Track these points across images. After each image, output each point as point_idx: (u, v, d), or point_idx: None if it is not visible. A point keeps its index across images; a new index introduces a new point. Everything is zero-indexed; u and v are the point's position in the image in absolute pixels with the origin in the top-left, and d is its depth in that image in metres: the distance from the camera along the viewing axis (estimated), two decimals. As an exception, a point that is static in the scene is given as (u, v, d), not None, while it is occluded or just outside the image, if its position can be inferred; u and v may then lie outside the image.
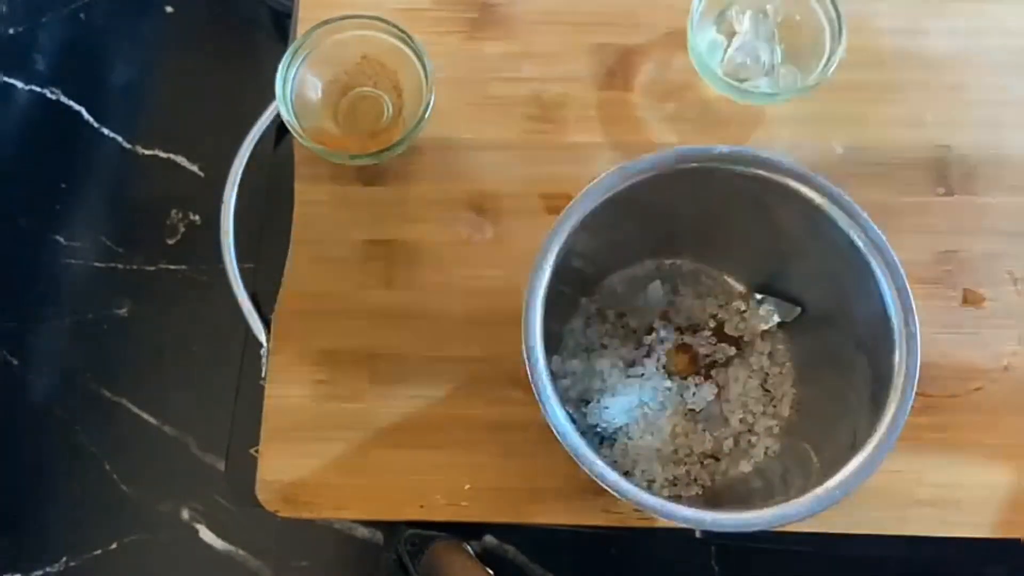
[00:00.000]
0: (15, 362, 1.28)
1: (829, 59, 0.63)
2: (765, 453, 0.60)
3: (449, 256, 0.65)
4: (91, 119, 1.37)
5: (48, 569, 1.20)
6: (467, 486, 0.60)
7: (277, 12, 1.38)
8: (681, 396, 0.61)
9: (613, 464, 0.56)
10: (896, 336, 0.50)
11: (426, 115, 0.62)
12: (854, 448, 0.49)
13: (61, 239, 1.32)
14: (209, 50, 1.42)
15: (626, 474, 0.58)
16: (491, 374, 0.62)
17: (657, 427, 0.60)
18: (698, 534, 1.12)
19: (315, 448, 0.61)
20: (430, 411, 0.62)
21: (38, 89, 1.38)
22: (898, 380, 0.49)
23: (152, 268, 1.31)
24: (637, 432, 0.60)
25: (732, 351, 0.62)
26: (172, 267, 1.31)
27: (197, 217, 1.32)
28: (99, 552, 1.20)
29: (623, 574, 1.18)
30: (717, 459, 0.60)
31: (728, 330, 0.63)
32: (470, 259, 0.65)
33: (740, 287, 0.64)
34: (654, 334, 0.62)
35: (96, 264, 1.31)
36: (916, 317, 0.50)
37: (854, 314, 0.54)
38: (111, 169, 1.35)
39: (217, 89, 1.36)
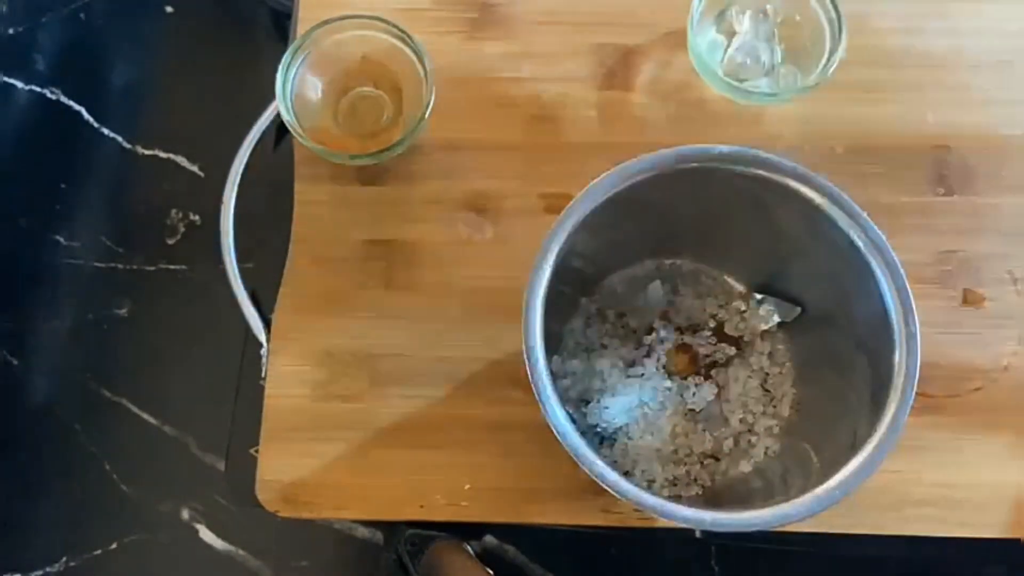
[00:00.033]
0: (15, 362, 1.27)
1: (829, 59, 0.63)
2: (765, 453, 0.60)
3: (449, 256, 0.65)
4: (91, 119, 1.37)
5: (48, 569, 1.20)
6: (467, 486, 0.60)
7: (277, 12, 1.38)
8: (681, 396, 0.61)
9: (613, 464, 0.56)
10: (896, 336, 0.50)
11: (426, 115, 0.62)
12: (854, 448, 0.49)
13: (61, 239, 1.32)
14: (209, 50, 1.42)
15: (626, 474, 0.58)
16: (491, 374, 0.62)
17: (657, 427, 0.60)
18: (698, 534, 1.12)
19: (315, 448, 0.61)
20: (430, 411, 0.62)
21: (38, 89, 1.38)
22: (898, 380, 0.49)
23: (152, 268, 1.31)
24: (637, 432, 0.60)
25: (732, 351, 0.62)
26: (172, 267, 1.31)
27: (197, 217, 1.32)
28: (99, 552, 1.20)
29: (623, 574, 1.18)
30: (717, 459, 0.60)
31: (728, 330, 0.63)
32: (470, 259, 0.65)
33: (740, 287, 0.64)
34: (654, 334, 0.62)
35: (96, 264, 1.31)
36: (916, 317, 0.50)
37: (854, 314, 0.54)
38: (111, 169, 1.35)
39: (217, 89, 1.36)
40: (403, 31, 0.63)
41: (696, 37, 0.65)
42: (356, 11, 0.64)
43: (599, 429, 0.60)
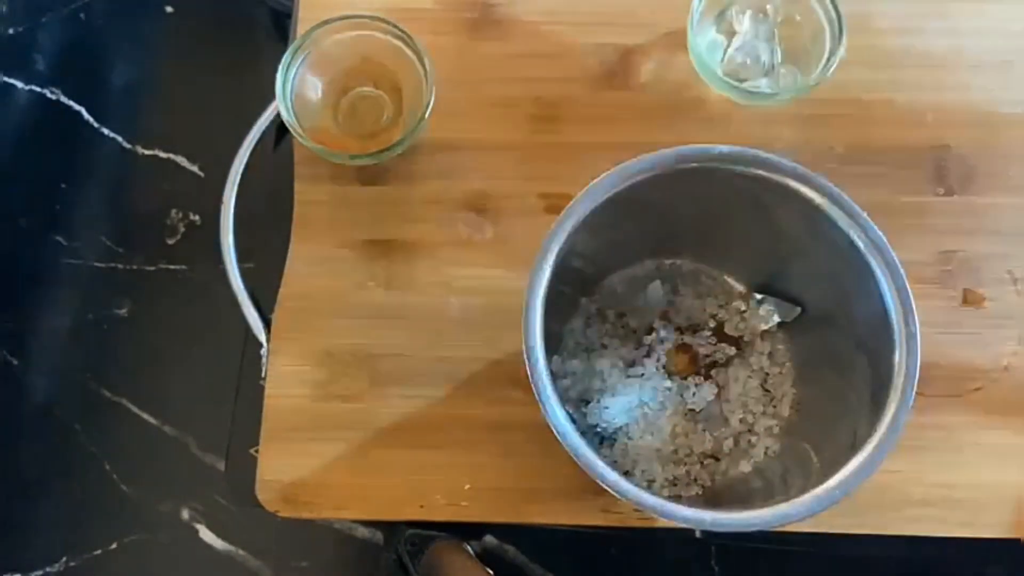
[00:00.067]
0: (15, 362, 1.28)
1: (829, 59, 0.63)
2: (765, 453, 0.60)
3: (449, 256, 0.65)
4: (91, 119, 1.37)
5: (48, 569, 1.20)
6: (467, 486, 0.60)
7: (277, 12, 1.38)
8: (681, 396, 0.61)
9: (613, 464, 0.56)
10: (896, 336, 0.50)
11: (426, 115, 0.62)
12: (854, 448, 0.49)
13: (61, 239, 1.32)
14: (209, 50, 1.42)
15: (626, 474, 0.58)
16: (491, 374, 0.62)
17: (657, 427, 0.60)
18: (698, 534, 1.12)
19: (315, 448, 0.61)
20: (430, 411, 0.62)
21: (38, 89, 1.38)
22: (898, 380, 0.49)
23: (152, 268, 1.31)
24: (637, 432, 0.60)
25: (732, 351, 0.62)
26: (172, 267, 1.31)
27: (197, 217, 1.32)
28: (99, 552, 1.20)
29: (623, 574, 1.18)
30: (717, 459, 0.60)
31: (728, 330, 0.63)
32: (470, 259, 0.65)
33: (740, 287, 0.64)
34: (654, 334, 0.62)
35: (96, 264, 1.31)
36: (916, 317, 0.50)
37: (854, 314, 0.54)
38: (111, 169, 1.35)
39: (217, 89, 1.36)
40: (403, 31, 0.63)
41: (696, 37, 0.65)
42: (356, 11, 0.64)
43: (599, 429, 0.60)
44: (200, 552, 1.20)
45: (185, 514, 1.21)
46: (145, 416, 1.25)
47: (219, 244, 0.66)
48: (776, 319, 0.61)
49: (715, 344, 0.62)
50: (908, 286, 0.50)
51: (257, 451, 0.61)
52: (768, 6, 0.67)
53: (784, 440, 0.60)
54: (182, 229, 1.32)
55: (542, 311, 0.49)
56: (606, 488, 0.47)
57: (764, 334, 0.62)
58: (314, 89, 0.66)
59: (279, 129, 0.68)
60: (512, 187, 0.66)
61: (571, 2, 0.70)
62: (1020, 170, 0.66)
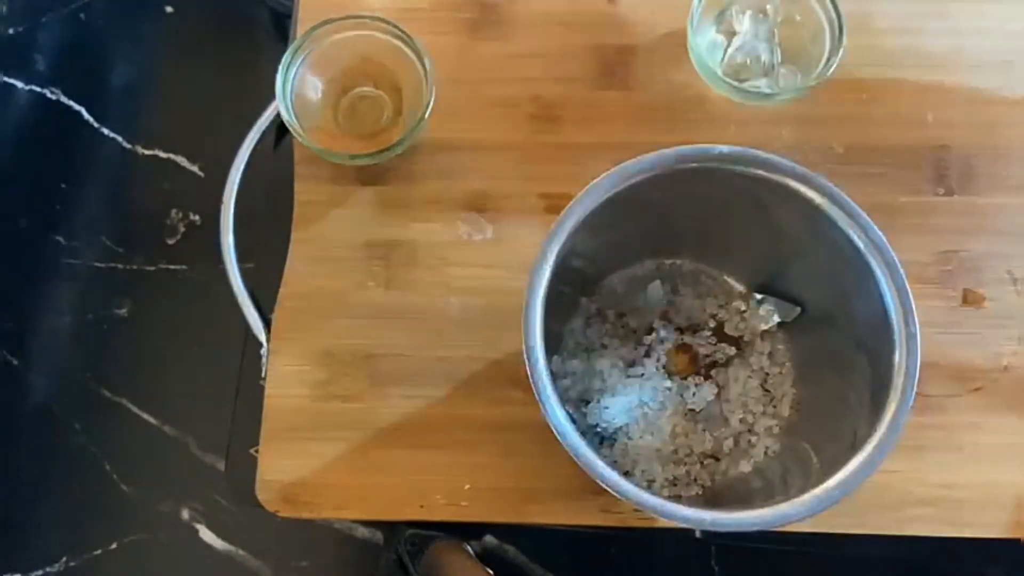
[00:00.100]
0: (15, 362, 1.28)
1: (829, 59, 0.63)
2: (765, 453, 0.60)
3: (449, 256, 0.65)
4: (91, 119, 1.37)
5: (48, 569, 1.20)
6: (467, 486, 0.60)
7: (277, 12, 1.38)
8: (681, 396, 0.61)
9: (613, 464, 0.56)
10: (896, 336, 0.50)
11: (426, 115, 0.62)
12: (854, 448, 0.49)
13: (61, 239, 1.32)
14: (209, 50, 1.42)
15: (626, 474, 0.58)
16: (491, 374, 0.62)
17: (657, 427, 0.60)
18: (698, 534, 1.12)
19: (315, 448, 0.61)
20: (430, 411, 0.62)
21: (38, 89, 1.38)
22: (898, 380, 0.49)
23: (152, 268, 1.31)
24: (637, 432, 0.60)
25: (732, 351, 0.62)
26: (172, 267, 1.31)
27: (197, 217, 1.32)
28: (99, 552, 1.20)
29: (623, 574, 1.18)
30: (717, 459, 0.60)
31: (728, 330, 0.63)
32: (470, 259, 0.65)
33: (740, 287, 0.64)
34: (654, 334, 0.62)
35: (96, 264, 1.31)
36: (916, 317, 0.50)
37: (854, 314, 0.54)
38: (111, 169, 1.35)
39: (217, 89, 1.36)
40: (403, 31, 0.63)
41: (696, 37, 0.65)
42: (356, 11, 0.64)
43: (599, 429, 0.60)
44: (200, 552, 1.20)
45: (185, 514, 1.21)
46: (145, 416, 1.25)
47: (219, 244, 0.66)
48: (776, 319, 0.61)
49: (715, 344, 0.62)
50: (908, 286, 0.50)
51: (257, 451, 0.61)
52: (768, 6, 0.67)
53: (784, 440, 0.60)
54: (182, 229, 1.32)
55: (542, 311, 0.49)
56: (606, 488, 0.47)
57: (764, 334, 0.62)
58: (314, 89, 0.66)
59: (279, 129, 0.68)
60: (512, 187, 0.66)
61: (571, 2, 0.70)
62: (1020, 170, 0.66)
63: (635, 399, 0.60)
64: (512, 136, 0.67)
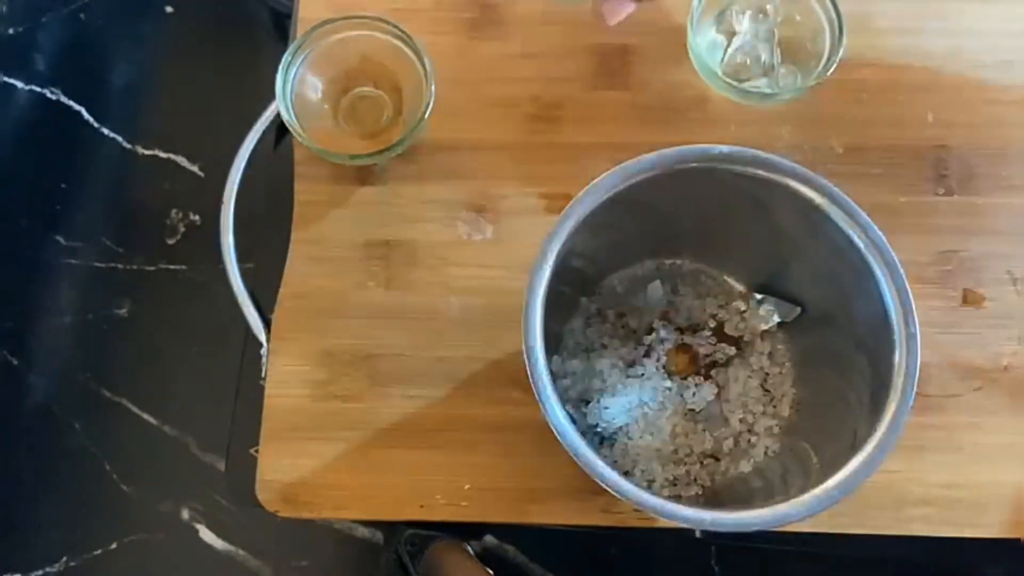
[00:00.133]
0: (15, 362, 1.28)
1: (829, 59, 0.63)
2: (765, 453, 0.60)
3: (449, 256, 0.65)
4: (91, 119, 1.37)
5: (48, 569, 1.20)
6: (467, 486, 0.60)
7: (277, 12, 1.38)
8: (681, 396, 0.61)
9: (613, 464, 0.56)
10: (896, 336, 0.50)
11: (426, 115, 0.62)
12: (854, 448, 0.49)
13: (61, 239, 1.32)
14: (209, 50, 1.42)
15: (626, 474, 0.58)
16: (491, 374, 0.62)
17: (657, 427, 0.60)
18: (698, 534, 1.12)
19: (315, 448, 0.61)
20: (430, 411, 0.62)
21: (38, 89, 1.38)
22: (898, 380, 0.49)
23: (152, 268, 1.31)
24: (637, 432, 0.60)
25: (732, 351, 0.62)
26: (172, 267, 1.31)
27: (197, 217, 1.33)
28: (99, 552, 1.20)
29: (623, 574, 1.18)
30: (717, 459, 0.60)
31: (728, 330, 0.63)
32: (470, 259, 0.65)
33: (740, 287, 0.64)
34: (654, 334, 0.62)
35: (96, 264, 1.31)
36: (916, 317, 0.50)
37: (854, 314, 0.54)
38: (111, 169, 1.36)
39: (217, 89, 1.36)
40: (403, 31, 0.63)
41: (696, 37, 0.65)
42: (356, 11, 0.64)
43: (599, 429, 0.60)
44: (200, 552, 1.20)
45: (185, 514, 1.21)
46: (145, 416, 1.25)
47: (219, 244, 0.66)
48: (776, 319, 0.61)
49: (715, 344, 0.62)
50: (908, 286, 0.50)
51: (257, 451, 0.61)
52: (768, 6, 0.67)
53: (784, 440, 0.60)
54: (182, 229, 1.32)
55: (542, 311, 0.49)
56: (606, 488, 0.47)
57: (764, 334, 0.62)
58: (314, 89, 0.66)
59: (279, 129, 0.68)
60: (512, 187, 0.66)
61: (571, 2, 0.70)
62: (1020, 170, 0.66)
63: (635, 399, 0.60)
64: (512, 136, 0.67)
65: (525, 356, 0.49)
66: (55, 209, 1.33)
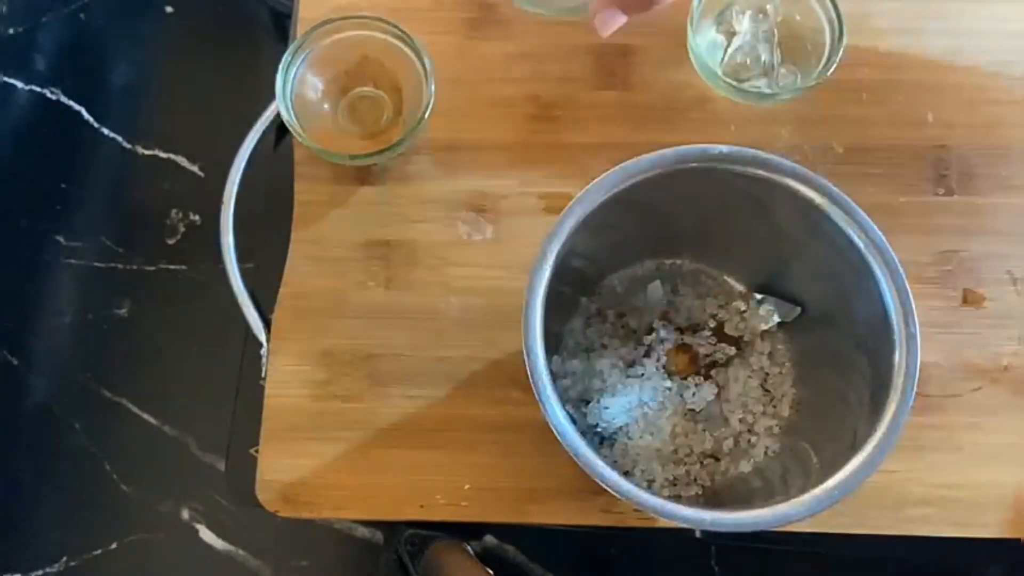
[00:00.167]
0: (15, 362, 1.28)
1: (829, 59, 0.63)
2: (765, 453, 0.60)
3: (449, 256, 0.65)
4: (91, 119, 1.37)
5: (48, 569, 1.20)
6: (467, 486, 0.60)
7: (277, 12, 1.38)
8: (681, 396, 0.61)
9: (613, 464, 0.56)
10: (896, 336, 0.50)
11: (426, 115, 0.62)
12: (854, 448, 0.49)
13: (61, 239, 1.32)
14: (209, 50, 1.42)
15: (626, 474, 0.58)
16: (491, 374, 0.62)
17: (657, 427, 0.60)
18: (698, 534, 1.12)
19: (315, 448, 0.61)
20: (430, 411, 0.62)
21: (38, 89, 1.38)
22: (898, 380, 0.49)
23: (152, 268, 1.31)
24: (637, 432, 0.60)
25: (732, 351, 0.62)
26: (172, 267, 1.31)
27: (197, 217, 1.33)
28: (99, 552, 1.20)
29: (623, 574, 1.18)
30: (717, 459, 0.60)
31: (728, 330, 0.63)
32: (470, 259, 0.65)
33: (740, 287, 0.64)
34: (654, 334, 0.62)
35: (96, 264, 1.31)
36: (916, 317, 0.50)
37: (854, 314, 0.54)
38: (111, 169, 1.36)
39: (217, 89, 1.36)
40: (403, 31, 0.63)
41: (696, 37, 0.65)
42: (356, 11, 0.64)
43: (599, 429, 0.60)
44: (200, 552, 1.20)
45: (185, 514, 1.21)
46: (145, 416, 1.25)
47: (219, 244, 0.66)
48: (776, 319, 0.61)
49: (715, 344, 0.62)
50: (908, 286, 0.50)
51: (257, 451, 0.61)
52: (768, 6, 0.67)
53: (784, 440, 0.60)
54: (182, 229, 1.32)
55: (542, 311, 0.49)
56: (606, 488, 0.47)
57: (764, 334, 0.62)
58: (314, 89, 0.66)
59: (279, 129, 0.68)
60: (512, 187, 0.66)
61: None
62: (1020, 170, 0.66)
63: (635, 399, 0.60)
64: (512, 136, 0.67)
65: (525, 356, 0.49)
66: (55, 209, 1.33)
